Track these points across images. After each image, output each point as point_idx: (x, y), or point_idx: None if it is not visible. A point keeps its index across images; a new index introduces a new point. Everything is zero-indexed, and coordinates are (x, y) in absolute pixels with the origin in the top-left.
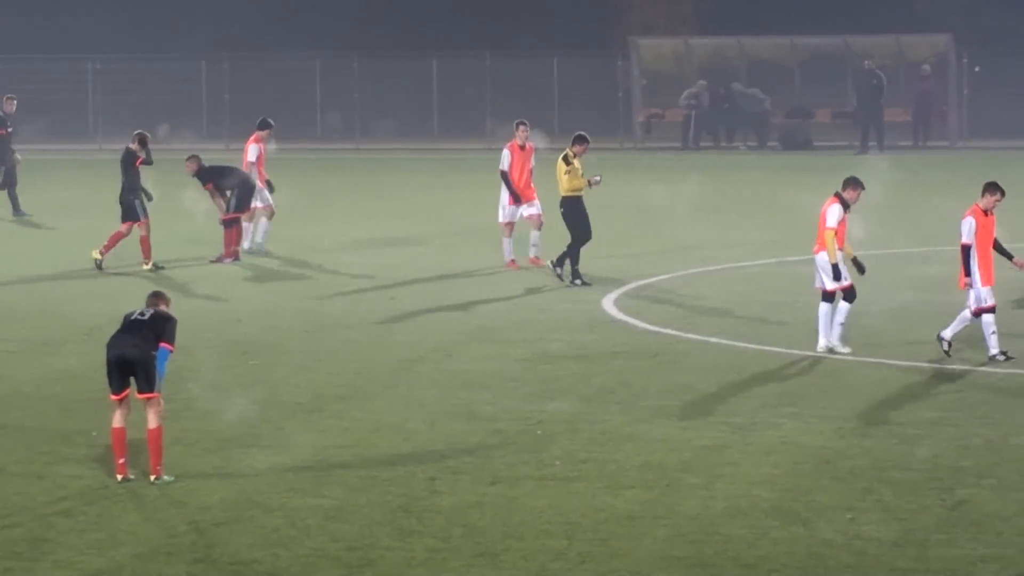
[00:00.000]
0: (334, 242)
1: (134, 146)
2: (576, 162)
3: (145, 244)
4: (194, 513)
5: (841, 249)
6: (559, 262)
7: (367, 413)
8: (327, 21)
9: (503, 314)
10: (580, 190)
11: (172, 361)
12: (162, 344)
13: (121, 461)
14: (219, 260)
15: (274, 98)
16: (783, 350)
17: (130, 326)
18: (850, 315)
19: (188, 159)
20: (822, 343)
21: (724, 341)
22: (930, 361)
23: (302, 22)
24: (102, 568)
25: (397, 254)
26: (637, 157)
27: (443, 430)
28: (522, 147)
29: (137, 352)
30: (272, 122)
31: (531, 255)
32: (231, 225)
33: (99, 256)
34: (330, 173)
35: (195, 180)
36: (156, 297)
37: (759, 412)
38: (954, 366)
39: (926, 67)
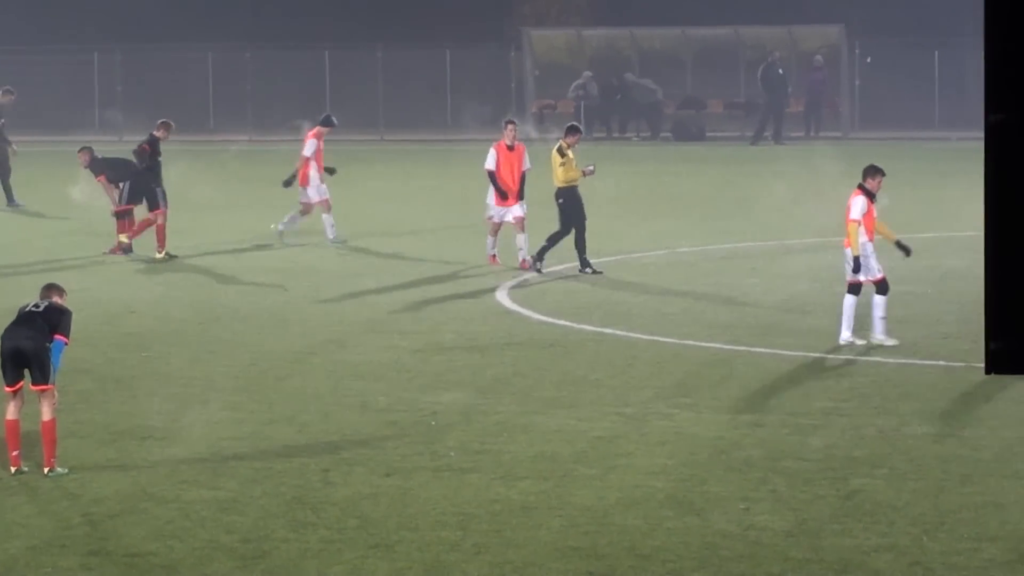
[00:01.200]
0: (228, 234)
1: (159, 133)
2: (570, 153)
3: (160, 232)
4: (88, 505)
5: (871, 240)
6: (540, 256)
7: (261, 405)
8: (220, 13)
9: (396, 305)
10: (575, 181)
11: (67, 353)
12: (57, 336)
13: (15, 453)
14: (112, 252)
15: (166, 90)
16: (676, 341)
17: (24, 318)
18: (887, 306)
19: (80, 150)
20: (844, 335)
21: (617, 332)
22: (824, 352)
23: (195, 13)
24: None
25: (291, 246)
26: (530, 149)
27: (337, 421)
28: (510, 147)
29: (31, 344)
30: (336, 121)
31: (520, 258)
32: (123, 217)
33: (160, 255)
34: (224, 165)
35: (87, 172)
36: (50, 289)
37: (653, 403)
38: (848, 356)
39: (818, 58)
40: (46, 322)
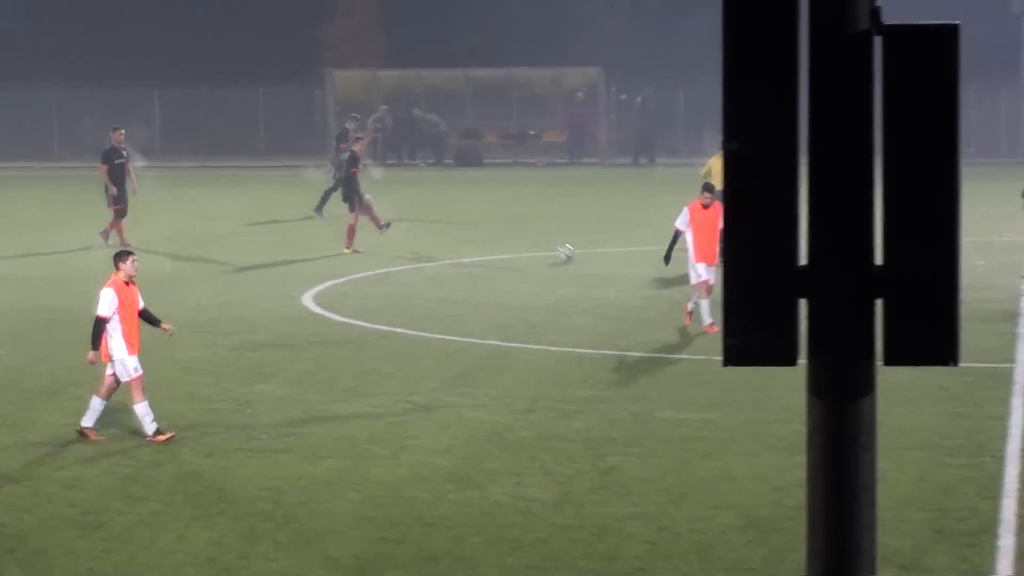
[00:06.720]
0: (67, 245)
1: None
2: None
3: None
4: None
5: None
6: None
7: None
8: (61, 54)
9: (215, 309)
10: None
11: None
12: None
13: None
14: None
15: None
16: (459, 339)
17: None
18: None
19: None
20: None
21: (407, 331)
22: (585, 348)
23: (39, 55)
24: None
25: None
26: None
27: (166, 409)
28: None
29: None
30: None
31: None
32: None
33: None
34: (57, 187)
35: None
36: None
37: (438, 392)
38: (607, 352)
39: (579, 94)
40: None
